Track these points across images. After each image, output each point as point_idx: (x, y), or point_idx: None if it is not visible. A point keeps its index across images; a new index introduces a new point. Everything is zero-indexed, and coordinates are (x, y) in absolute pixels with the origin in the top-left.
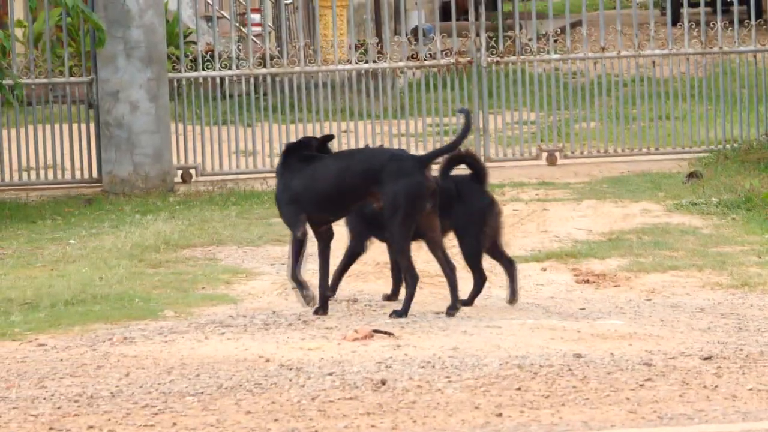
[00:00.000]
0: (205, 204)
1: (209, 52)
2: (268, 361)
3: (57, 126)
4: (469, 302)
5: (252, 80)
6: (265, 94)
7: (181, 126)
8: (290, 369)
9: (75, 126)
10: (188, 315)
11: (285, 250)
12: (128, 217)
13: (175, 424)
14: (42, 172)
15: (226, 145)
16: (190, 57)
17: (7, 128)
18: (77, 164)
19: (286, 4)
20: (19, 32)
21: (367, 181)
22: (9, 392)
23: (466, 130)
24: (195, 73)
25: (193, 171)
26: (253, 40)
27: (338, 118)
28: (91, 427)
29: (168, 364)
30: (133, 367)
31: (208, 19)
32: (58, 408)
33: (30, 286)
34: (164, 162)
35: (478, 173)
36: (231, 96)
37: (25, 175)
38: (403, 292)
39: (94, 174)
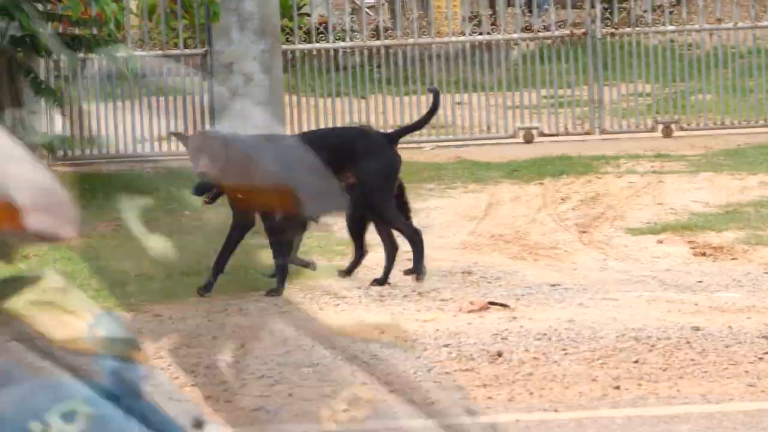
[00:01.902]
0: None
1: (323, 24)
2: (383, 332)
3: (171, 98)
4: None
5: (365, 52)
6: (378, 66)
7: (294, 98)
8: (406, 340)
9: (189, 98)
10: (303, 286)
11: None
12: None
13: (291, 395)
14: (156, 144)
15: (340, 117)
16: (304, 29)
17: (121, 100)
18: None
19: None
20: (133, 4)
21: (340, 158)
22: None
23: (434, 108)
24: (308, 45)
25: None
26: (366, 12)
27: (452, 90)
28: (208, 397)
29: (283, 335)
30: (248, 338)
31: None
32: (175, 378)
33: (145, 257)
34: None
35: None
36: (344, 68)
37: (139, 147)
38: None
39: None
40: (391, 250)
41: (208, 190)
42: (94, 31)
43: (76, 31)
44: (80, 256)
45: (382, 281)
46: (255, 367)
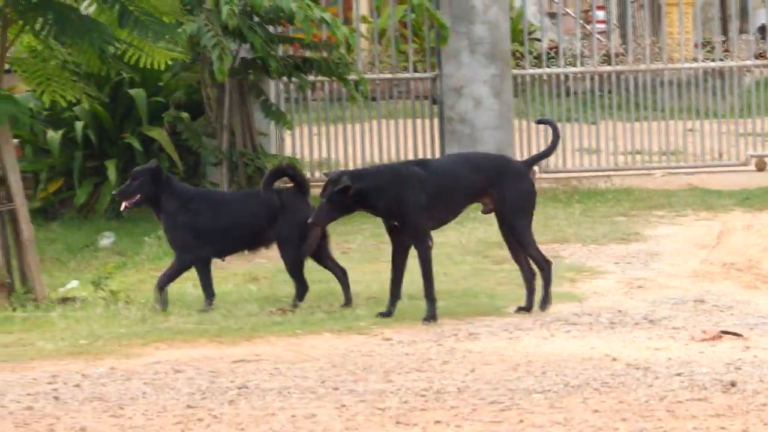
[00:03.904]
0: (549, 201)
1: (553, 49)
2: (614, 360)
3: (401, 121)
4: (295, 306)
5: (596, 78)
6: (609, 92)
7: (524, 122)
8: (637, 368)
9: (418, 121)
10: (533, 312)
11: (630, 249)
12: (472, 213)
13: (521, 420)
14: None
15: (570, 143)
16: (534, 54)
17: (351, 123)
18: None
19: (631, 2)
20: (363, 28)
21: (484, 182)
22: (356, 385)
23: (556, 135)
24: (539, 70)
25: (536, 168)
26: (597, 37)
27: (683, 117)
28: (438, 421)
29: (513, 361)
30: (478, 363)
31: (552, 15)
32: (405, 402)
33: (375, 280)
34: None
35: (300, 185)
36: (575, 93)
37: None
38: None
39: None
40: (530, 276)
41: (132, 197)
42: (325, 54)
43: (307, 53)
44: (308, 278)
45: (527, 308)
46: (485, 393)
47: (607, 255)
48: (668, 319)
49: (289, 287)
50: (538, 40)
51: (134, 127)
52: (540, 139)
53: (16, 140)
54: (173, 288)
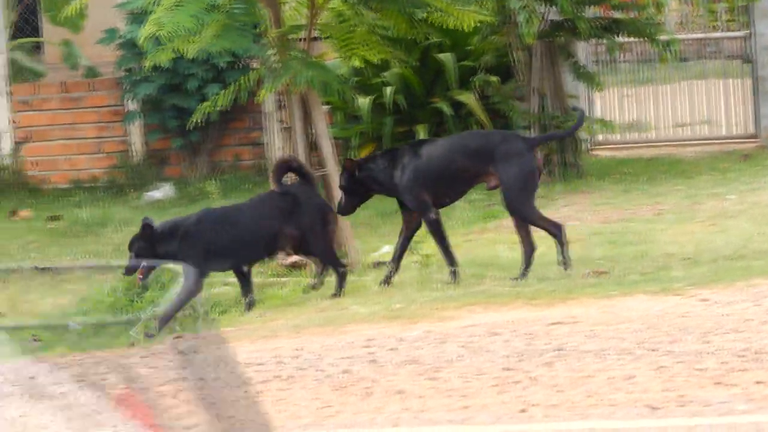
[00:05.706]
0: None
1: None
2: None
3: (712, 81)
4: (337, 294)
5: None
6: None
7: None
8: None
9: (730, 81)
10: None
11: None
12: None
13: None
14: (697, 128)
15: None
16: None
17: (661, 84)
18: (732, 119)
19: None
20: None
21: (483, 161)
22: (673, 346)
23: (579, 123)
24: None
25: None
26: None
27: None
28: (759, 382)
29: None
30: None
31: None
32: (724, 363)
33: (690, 241)
34: None
35: (307, 179)
36: None
37: (679, 130)
38: None
39: (750, 129)
40: (530, 250)
41: (137, 269)
42: (634, 14)
43: (616, 14)
44: (621, 240)
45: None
46: None
47: None
48: None
49: (602, 249)
50: None
51: (443, 91)
52: None
53: (326, 107)
54: (486, 252)
